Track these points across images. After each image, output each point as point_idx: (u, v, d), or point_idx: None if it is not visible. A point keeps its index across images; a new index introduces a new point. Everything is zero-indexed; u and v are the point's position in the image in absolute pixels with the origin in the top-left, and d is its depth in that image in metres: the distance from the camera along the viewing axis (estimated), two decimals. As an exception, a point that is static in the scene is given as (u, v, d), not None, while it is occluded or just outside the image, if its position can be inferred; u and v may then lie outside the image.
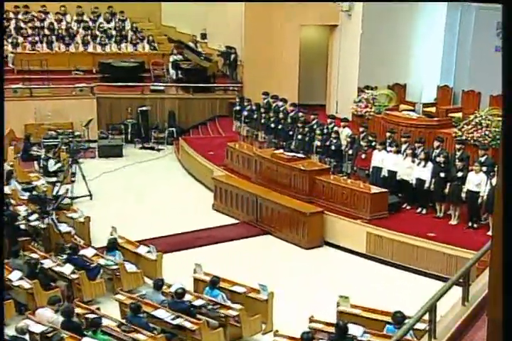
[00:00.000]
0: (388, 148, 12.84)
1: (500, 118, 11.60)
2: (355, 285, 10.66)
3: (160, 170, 16.76)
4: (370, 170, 12.97)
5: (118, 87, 19.09)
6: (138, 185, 15.60)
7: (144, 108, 18.67)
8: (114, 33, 21.85)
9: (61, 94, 18.37)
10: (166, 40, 22.58)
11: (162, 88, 19.30)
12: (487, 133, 12.94)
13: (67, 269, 10.21)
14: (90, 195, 14.46)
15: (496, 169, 10.59)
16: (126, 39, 21.73)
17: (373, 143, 13.22)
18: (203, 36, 21.94)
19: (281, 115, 15.26)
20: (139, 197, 14.83)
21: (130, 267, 10.65)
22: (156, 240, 12.14)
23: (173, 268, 10.86)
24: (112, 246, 10.99)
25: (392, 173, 12.68)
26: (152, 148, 18.38)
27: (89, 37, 21.27)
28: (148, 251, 11.07)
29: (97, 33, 21.62)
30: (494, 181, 10.75)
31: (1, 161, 12.09)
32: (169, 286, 9.69)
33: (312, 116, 14.91)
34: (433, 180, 12.10)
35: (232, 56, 19.70)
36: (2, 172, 12.59)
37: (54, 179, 14.53)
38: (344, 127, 14.25)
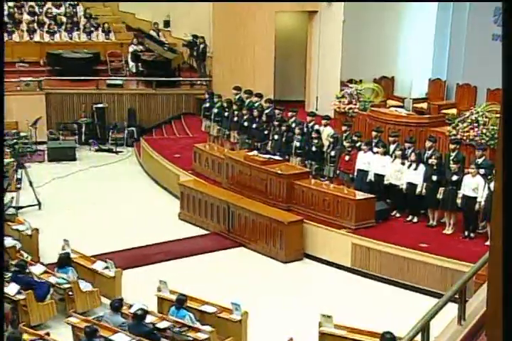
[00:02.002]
0: (375, 149, 12.91)
1: (498, 115, 11.74)
2: (339, 303, 10.70)
3: (119, 175, 16.68)
4: (355, 173, 13.04)
5: (70, 82, 18.99)
6: (93, 192, 15.50)
7: (99, 105, 18.59)
8: (64, 19, 21.71)
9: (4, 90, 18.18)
10: (124, 28, 22.51)
11: (120, 82, 19.24)
12: (484, 131, 13.09)
13: (12, 289, 10.09)
14: (39, 204, 14.37)
15: (494, 172, 10.71)
16: (79, 27, 21.61)
17: (358, 144, 13.29)
18: (166, 24, 21.90)
19: (255, 113, 15.28)
20: (94, 206, 14.74)
21: (85, 285, 10.58)
22: (114, 254, 12.08)
23: (134, 286, 10.84)
24: (64, 261, 10.91)
25: (380, 177, 12.75)
26: (109, 151, 18.30)
27: (35, 24, 21.09)
28: (106, 267, 11.01)
29: (45, 19, 21.46)
30: (492, 185, 10.86)
31: (1, 162, 11.91)
32: (129, 307, 9.65)
33: (290, 114, 14.95)
34: (425, 185, 12.19)
35: (200, 46, 19.69)
36: (2, 174, 12.45)
37: (-4, 186, 14.41)
38: (326, 126, 14.31)
